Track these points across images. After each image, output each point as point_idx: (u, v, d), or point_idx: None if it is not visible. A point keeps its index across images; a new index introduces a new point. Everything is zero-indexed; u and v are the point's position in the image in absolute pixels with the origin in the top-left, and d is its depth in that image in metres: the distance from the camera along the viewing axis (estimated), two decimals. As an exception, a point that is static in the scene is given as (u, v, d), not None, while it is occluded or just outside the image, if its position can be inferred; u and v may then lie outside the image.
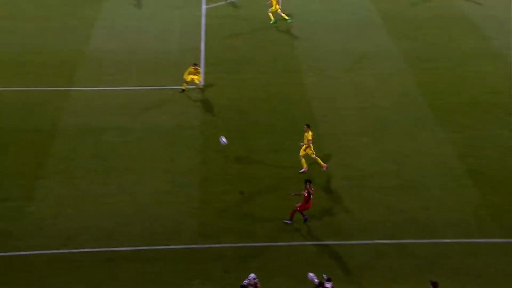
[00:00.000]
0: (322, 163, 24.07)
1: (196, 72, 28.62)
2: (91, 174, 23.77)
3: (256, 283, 17.61)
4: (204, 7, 38.05)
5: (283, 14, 35.57)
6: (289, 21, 35.56)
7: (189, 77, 28.56)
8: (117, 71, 30.76)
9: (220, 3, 38.59)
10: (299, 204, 21.33)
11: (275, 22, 35.50)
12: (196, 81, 28.71)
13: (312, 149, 23.90)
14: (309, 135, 23.81)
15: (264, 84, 30.07)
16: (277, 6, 35.33)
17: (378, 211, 22.29)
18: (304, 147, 23.86)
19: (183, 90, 28.85)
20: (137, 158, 24.72)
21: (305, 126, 24.01)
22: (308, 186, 21.30)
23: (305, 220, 21.48)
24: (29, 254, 20.16)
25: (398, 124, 27.07)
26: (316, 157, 24.01)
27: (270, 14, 35.56)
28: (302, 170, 23.89)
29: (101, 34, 34.53)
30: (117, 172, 23.92)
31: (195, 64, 28.87)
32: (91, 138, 25.80)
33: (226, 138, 24.19)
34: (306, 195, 21.24)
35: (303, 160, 23.97)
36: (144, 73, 30.52)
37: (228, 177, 23.77)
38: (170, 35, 34.60)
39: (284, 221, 21.43)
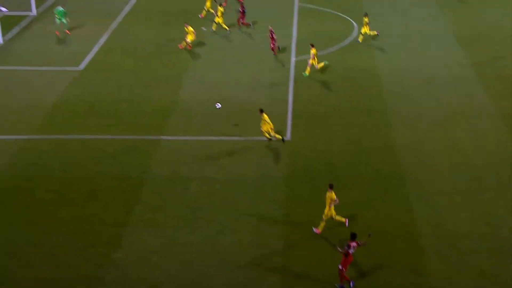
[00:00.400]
0: (343, 219, 23.83)
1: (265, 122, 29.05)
2: (177, 223, 24.40)
3: None
4: (293, 59, 38.79)
5: (319, 64, 35.97)
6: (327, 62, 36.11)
7: (264, 127, 29.08)
8: (205, 120, 31.61)
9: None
10: (340, 264, 20.97)
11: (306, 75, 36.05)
12: (270, 132, 29.19)
13: (332, 210, 23.51)
14: (332, 195, 23.44)
15: (353, 138, 30.24)
16: (314, 61, 35.59)
17: (469, 274, 21.82)
18: (328, 207, 23.36)
19: (270, 139, 29.44)
20: (221, 208, 25.23)
21: (329, 188, 23.57)
22: (350, 244, 20.93)
23: (351, 285, 21.12)
24: (114, 300, 20.77)
25: (492, 184, 26.59)
26: (336, 217, 23.72)
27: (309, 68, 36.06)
28: (344, 222, 23.74)
29: (191, 84, 35.60)
30: (202, 221, 24.47)
31: (261, 110, 29.32)
32: (178, 187, 26.52)
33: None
34: (345, 251, 20.92)
35: (338, 217, 23.74)
36: (230, 124, 31.23)
37: (313, 232, 23.92)
38: (259, 86, 35.36)
39: (336, 285, 21.24)
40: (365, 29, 40.32)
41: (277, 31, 43.00)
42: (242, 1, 43.69)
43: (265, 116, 29.10)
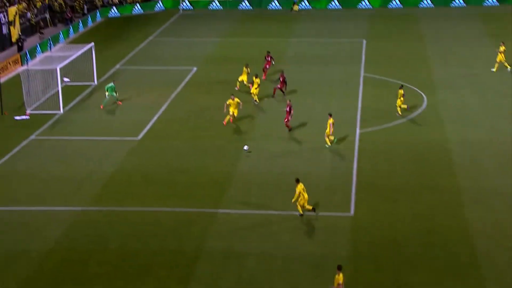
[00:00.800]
0: None
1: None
2: (232, 302, 23.67)
3: None
4: (358, 131, 38.30)
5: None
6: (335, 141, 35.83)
7: (301, 201, 28.38)
8: (264, 194, 31.10)
9: (375, 128, 38.69)
10: None
11: (335, 141, 35.80)
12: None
13: None
14: (340, 278, 22.55)
15: (421, 216, 29.11)
16: (328, 131, 35.38)
17: None
18: None
19: (302, 215, 28.73)
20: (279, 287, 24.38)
21: (337, 270, 22.80)
22: None
23: None
24: None
25: None
26: None
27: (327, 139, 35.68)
28: None
29: (249, 155, 35.46)
30: (259, 301, 23.69)
31: (297, 180, 28.78)
32: (234, 263, 25.82)
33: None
34: None
35: None
36: (291, 197, 30.65)
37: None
38: (321, 158, 34.86)
39: None
40: (399, 102, 39.91)
41: (342, 101, 42.78)
42: (283, 71, 44.20)
43: (301, 186, 28.45)
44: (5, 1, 59.33)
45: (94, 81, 47.33)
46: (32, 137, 38.23)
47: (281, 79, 43.57)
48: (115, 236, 27.87)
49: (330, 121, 35.62)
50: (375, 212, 29.37)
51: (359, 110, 41.34)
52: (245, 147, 34.67)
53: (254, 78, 42.77)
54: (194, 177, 32.78)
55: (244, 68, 44.42)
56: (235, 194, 31.17)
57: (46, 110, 41.97)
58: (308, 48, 56.79)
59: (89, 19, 67.63)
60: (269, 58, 47.63)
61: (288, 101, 38.70)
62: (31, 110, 42.03)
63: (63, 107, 42.30)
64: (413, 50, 55.15)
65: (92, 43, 47.86)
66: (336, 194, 30.52)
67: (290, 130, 38.10)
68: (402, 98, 39.88)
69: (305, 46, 57.54)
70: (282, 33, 62.53)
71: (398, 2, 72.97)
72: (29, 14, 61.50)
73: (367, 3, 73.01)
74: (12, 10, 57.11)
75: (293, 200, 28.90)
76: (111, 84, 42.65)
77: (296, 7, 71.53)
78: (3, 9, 56.84)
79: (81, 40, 57.77)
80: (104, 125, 40.05)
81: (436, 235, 27.57)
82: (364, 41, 58.26)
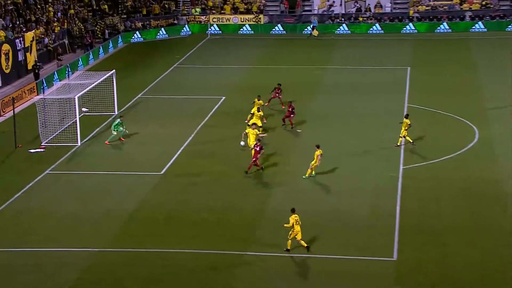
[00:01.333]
0: None
1: None
2: None
3: None
4: (401, 167, 37.93)
5: None
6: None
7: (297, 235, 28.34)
8: (298, 235, 30.85)
9: (421, 163, 38.27)
10: None
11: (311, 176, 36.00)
12: None
13: None
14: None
15: (473, 262, 28.52)
16: (314, 163, 35.95)
17: None
18: None
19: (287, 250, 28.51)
20: None
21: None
22: None
23: None
24: None
25: None
26: None
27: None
28: None
29: (280, 191, 35.26)
30: None
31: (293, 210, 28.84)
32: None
33: None
34: None
35: None
36: (329, 238, 30.20)
37: None
38: (361, 196, 34.53)
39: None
40: (404, 132, 39.95)
41: (383, 134, 42.49)
42: (291, 102, 44.27)
43: (296, 217, 28.72)
44: (22, 26, 60.39)
45: (114, 111, 47.66)
46: (47, 171, 38.47)
47: (289, 109, 43.78)
48: (134, 280, 27.71)
49: (318, 152, 35.94)
50: (421, 257, 28.85)
51: (402, 144, 40.99)
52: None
53: (256, 100, 43.72)
54: (221, 216, 32.61)
55: (256, 100, 44.45)
56: (265, 234, 30.90)
57: (62, 142, 42.28)
58: (346, 76, 56.72)
59: (110, 44, 68.50)
60: (279, 91, 47.71)
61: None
62: (47, 143, 42.39)
63: (81, 139, 42.59)
64: (463, 79, 54.79)
65: (113, 70, 48.29)
66: (377, 236, 30.14)
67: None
68: (407, 128, 39.94)
69: (343, 74, 57.50)
70: (318, 60, 62.62)
71: (446, 26, 72.76)
72: (46, 40, 62.50)
73: (412, 27, 72.99)
74: (29, 35, 58.10)
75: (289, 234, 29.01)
76: (118, 120, 42.78)
77: (315, 32, 71.77)
78: (20, 35, 57.83)
79: (102, 67, 58.41)
80: (125, 159, 40.19)
81: (491, 284, 26.95)
82: (409, 69, 58.05)
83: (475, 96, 50.23)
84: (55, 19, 66.56)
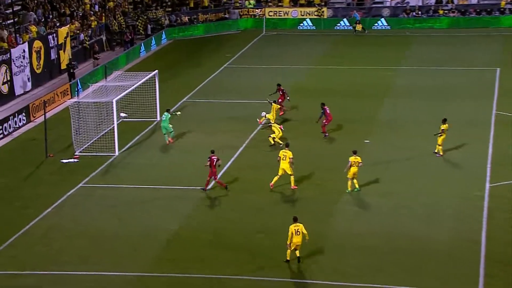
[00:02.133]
0: None
1: None
2: None
3: None
4: (488, 185, 37.29)
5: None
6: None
7: None
8: (364, 261, 30.45)
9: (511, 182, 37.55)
10: None
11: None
12: None
13: None
14: None
15: None
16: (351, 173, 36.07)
17: None
18: None
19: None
20: None
21: None
22: None
23: None
24: None
25: None
26: None
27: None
28: None
29: (345, 211, 34.95)
30: None
31: None
32: None
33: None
34: None
35: None
36: (402, 267, 29.72)
37: None
38: (440, 218, 34.03)
39: None
40: (440, 139, 40.35)
41: (466, 146, 41.96)
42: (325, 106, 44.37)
43: (296, 226, 29.21)
44: (55, 21, 61.16)
45: (156, 117, 47.81)
46: (81, 184, 38.72)
47: (326, 112, 44.04)
48: (176, 311, 27.67)
49: (352, 159, 35.93)
50: (511, 291, 28.20)
51: (489, 158, 40.43)
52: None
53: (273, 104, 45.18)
54: (277, 239, 32.25)
55: (274, 104, 44.62)
56: (328, 261, 30.57)
57: (98, 151, 42.58)
58: (422, 79, 56.33)
59: (153, 41, 69.05)
60: (281, 92, 47.77)
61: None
62: (81, 152, 42.73)
63: (119, 149, 42.80)
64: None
65: (156, 71, 48.52)
66: (459, 265, 29.53)
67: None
68: (443, 135, 40.18)
69: (418, 76, 56.97)
70: (389, 59, 62.21)
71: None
72: (82, 36, 63.23)
73: (503, 22, 71.66)
74: (63, 31, 58.78)
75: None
76: (166, 114, 43.30)
77: (359, 26, 71.26)
78: (53, 30, 58.55)
79: (143, 66, 58.93)
80: (167, 171, 40.19)
81: None
82: (498, 70, 57.20)
83: None
84: (92, 12, 67.36)
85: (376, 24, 73.76)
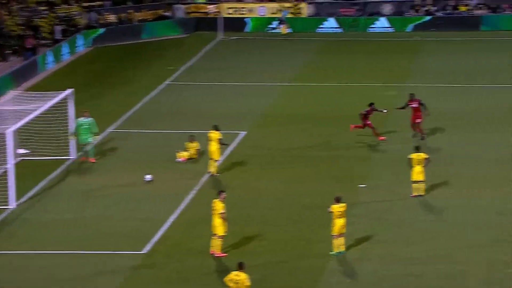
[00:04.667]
0: None
1: None
2: None
3: None
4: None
5: None
6: None
7: None
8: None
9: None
10: None
11: None
12: None
13: None
14: None
15: None
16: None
17: None
18: None
19: None
20: None
21: None
22: None
23: None
24: None
25: None
26: None
27: None
28: None
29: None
30: None
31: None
32: None
33: None
34: None
35: None
36: None
37: None
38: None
39: None
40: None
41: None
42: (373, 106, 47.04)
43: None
44: None
45: (70, 154, 47.53)
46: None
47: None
48: None
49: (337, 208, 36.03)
50: None
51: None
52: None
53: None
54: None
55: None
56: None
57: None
58: (435, 99, 56.42)
59: (65, 48, 68.91)
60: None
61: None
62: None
63: (16, 199, 42.46)
64: None
65: (70, 90, 48.20)
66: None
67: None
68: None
69: (431, 96, 57.09)
70: (391, 73, 62.96)
71: None
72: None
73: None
74: None
75: None
76: (83, 120, 44.17)
77: (283, 29, 72.50)
78: None
79: (51, 84, 58.75)
80: (86, 230, 39.81)
81: None
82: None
83: None
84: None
85: (373, 25, 74.47)
